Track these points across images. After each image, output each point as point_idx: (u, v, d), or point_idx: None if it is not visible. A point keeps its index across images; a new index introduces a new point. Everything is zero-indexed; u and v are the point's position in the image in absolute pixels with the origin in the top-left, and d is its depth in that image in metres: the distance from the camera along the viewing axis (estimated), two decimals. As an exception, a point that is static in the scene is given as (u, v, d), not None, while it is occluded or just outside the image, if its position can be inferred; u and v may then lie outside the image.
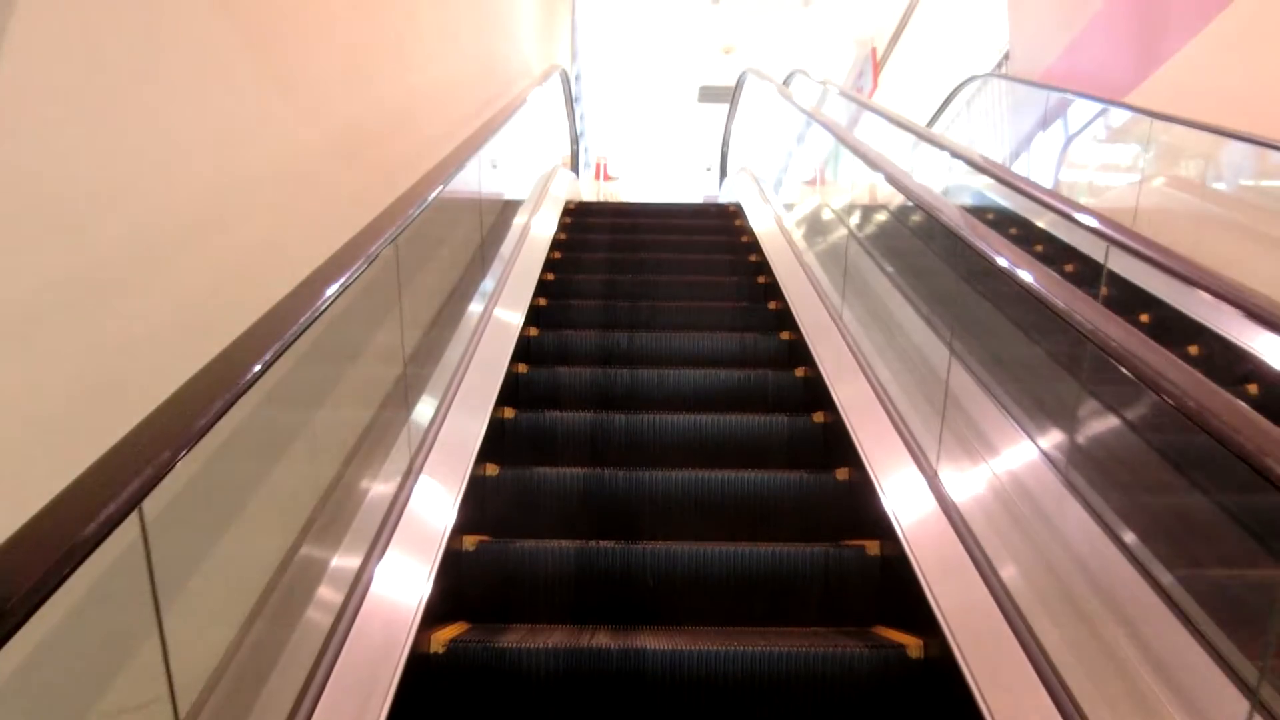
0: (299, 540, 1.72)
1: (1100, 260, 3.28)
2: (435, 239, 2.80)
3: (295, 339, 1.52)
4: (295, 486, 1.78)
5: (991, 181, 4.55)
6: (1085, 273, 4.05)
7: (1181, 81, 4.99)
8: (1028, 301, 1.92)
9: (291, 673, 1.59)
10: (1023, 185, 3.59)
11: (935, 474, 2.33)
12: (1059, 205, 3.11)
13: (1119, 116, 5.42)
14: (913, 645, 2.00)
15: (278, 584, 1.63)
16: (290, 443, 1.77)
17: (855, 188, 3.87)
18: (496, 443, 2.84)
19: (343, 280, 1.76)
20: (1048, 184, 6.25)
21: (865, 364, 3.07)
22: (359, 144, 2.87)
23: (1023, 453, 2.11)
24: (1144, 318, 3.56)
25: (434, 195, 2.49)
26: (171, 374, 1.29)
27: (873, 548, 2.37)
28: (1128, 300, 3.50)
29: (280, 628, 1.63)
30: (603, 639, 2.04)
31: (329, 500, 1.86)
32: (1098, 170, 5.79)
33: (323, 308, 1.65)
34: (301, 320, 1.57)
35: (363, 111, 2.97)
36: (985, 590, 1.90)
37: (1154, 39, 5.39)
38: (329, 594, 1.79)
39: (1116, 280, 3.38)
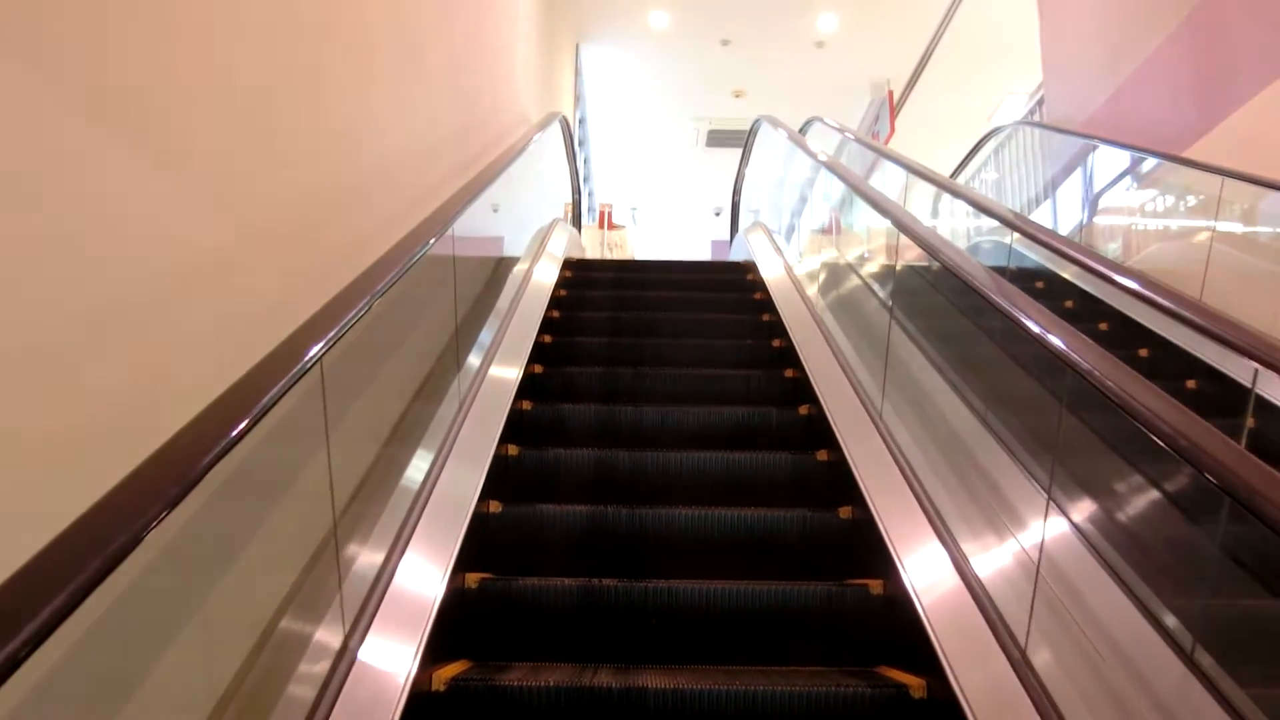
0: (302, 577, 1.74)
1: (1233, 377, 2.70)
2: (385, 345, 2.26)
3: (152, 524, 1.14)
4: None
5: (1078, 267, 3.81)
6: (1215, 391, 3.37)
7: (1255, 134, 4.45)
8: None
9: (295, 705, 1.60)
10: (1141, 287, 2.90)
11: (938, 514, 2.39)
12: (1196, 318, 2.45)
13: (1177, 171, 4.88)
14: (916, 686, 2.01)
15: (281, 616, 1.66)
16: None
17: (915, 265, 3.21)
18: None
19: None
20: (1090, 243, 5.71)
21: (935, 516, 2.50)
22: (290, 231, 2.32)
23: (1032, 501, 2.15)
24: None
25: (370, 300, 1.94)
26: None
27: (876, 587, 2.39)
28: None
29: (282, 662, 1.64)
30: (605, 678, 2.06)
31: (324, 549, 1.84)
32: (1153, 230, 5.25)
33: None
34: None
35: (300, 191, 2.43)
36: (988, 631, 1.96)
37: (1219, 86, 4.87)
38: (330, 629, 1.81)
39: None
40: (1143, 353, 3.91)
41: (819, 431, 3.23)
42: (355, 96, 3.02)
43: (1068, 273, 4.93)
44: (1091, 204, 6.09)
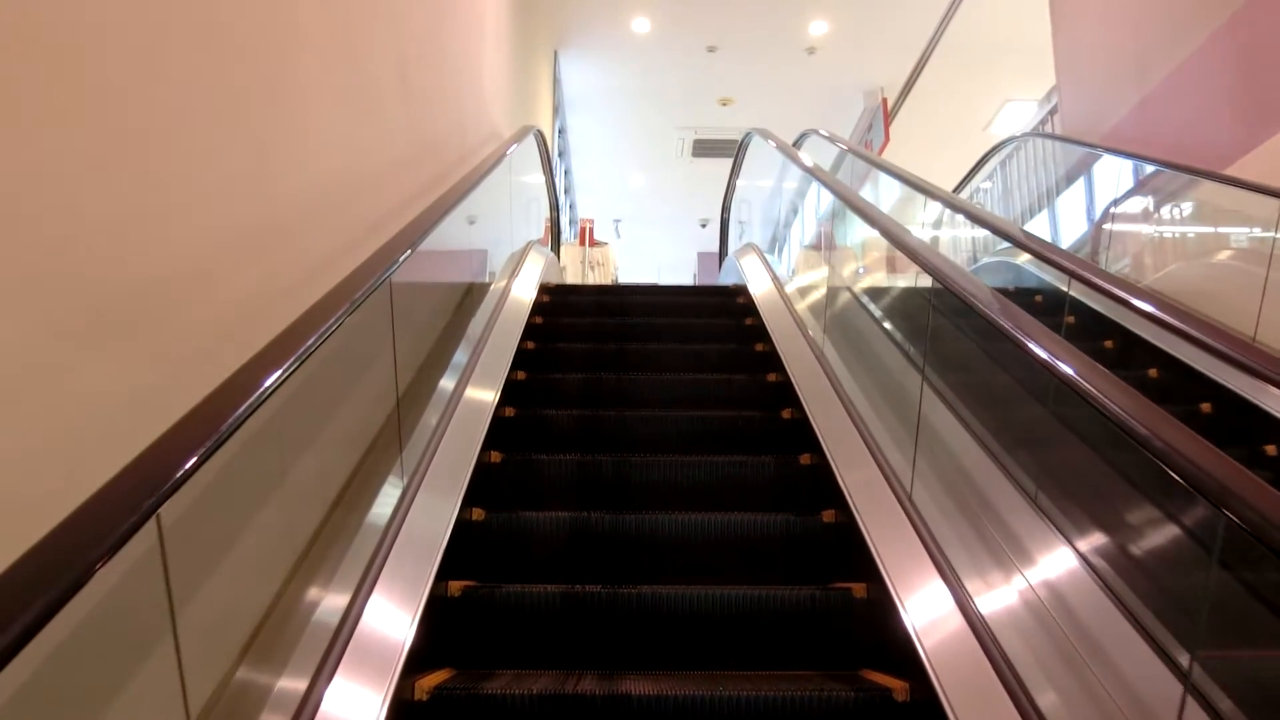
0: (287, 583, 1.71)
1: None
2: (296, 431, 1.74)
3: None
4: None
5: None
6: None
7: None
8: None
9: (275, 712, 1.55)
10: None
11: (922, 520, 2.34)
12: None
13: (1217, 191, 4.38)
14: (899, 689, 2.00)
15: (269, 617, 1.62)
16: None
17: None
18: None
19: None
20: (1095, 256, 5.22)
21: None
22: (157, 302, 1.77)
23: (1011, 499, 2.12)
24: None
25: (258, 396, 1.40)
26: None
27: (859, 590, 2.38)
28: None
29: (265, 668, 1.60)
30: (588, 685, 2.07)
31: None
32: (1182, 258, 4.74)
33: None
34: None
35: (176, 246, 1.87)
36: (970, 633, 1.93)
37: (1268, 96, 4.37)
38: (315, 637, 1.76)
39: None
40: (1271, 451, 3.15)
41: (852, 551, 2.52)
42: (264, 118, 2.45)
43: (1073, 289, 4.41)
44: (1104, 221, 5.59)
